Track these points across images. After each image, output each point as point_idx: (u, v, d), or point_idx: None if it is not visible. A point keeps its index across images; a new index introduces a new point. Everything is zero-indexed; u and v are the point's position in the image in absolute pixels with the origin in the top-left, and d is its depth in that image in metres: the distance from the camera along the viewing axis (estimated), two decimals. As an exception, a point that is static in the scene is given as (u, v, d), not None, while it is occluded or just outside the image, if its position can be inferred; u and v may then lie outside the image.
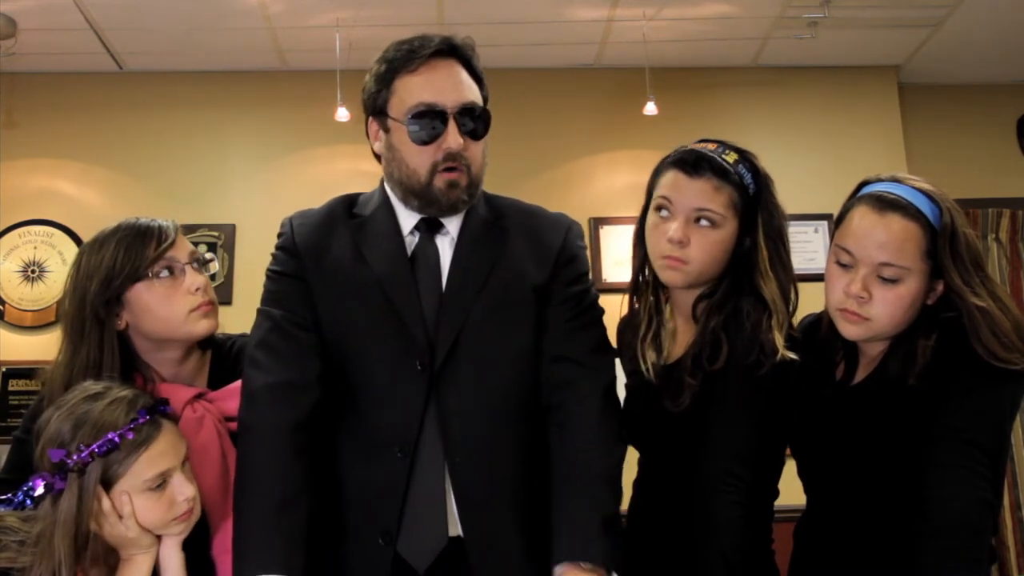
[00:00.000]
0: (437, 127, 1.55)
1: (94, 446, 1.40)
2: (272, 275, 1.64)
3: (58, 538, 1.36)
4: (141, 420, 1.44)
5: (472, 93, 1.59)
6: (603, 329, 1.68)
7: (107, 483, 1.41)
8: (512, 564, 1.50)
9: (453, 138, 1.55)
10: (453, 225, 1.64)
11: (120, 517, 1.42)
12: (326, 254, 1.61)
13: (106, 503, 1.41)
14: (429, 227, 1.63)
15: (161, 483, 1.44)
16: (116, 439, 1.41)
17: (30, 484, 1.42)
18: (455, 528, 1.51)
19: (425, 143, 1.56)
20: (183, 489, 1.46)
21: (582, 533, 1.46)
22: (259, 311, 1.62)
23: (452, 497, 1.51)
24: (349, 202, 1.70)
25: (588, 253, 1.78)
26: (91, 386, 1.48)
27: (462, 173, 1.57)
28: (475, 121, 1.57)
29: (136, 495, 1.42)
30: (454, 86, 1.57)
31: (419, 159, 1.57)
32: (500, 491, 1.52)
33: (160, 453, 1.44)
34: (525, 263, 1.63)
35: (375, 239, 1.61)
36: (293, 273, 1.61)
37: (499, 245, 1.63)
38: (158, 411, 1.48)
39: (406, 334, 1.54)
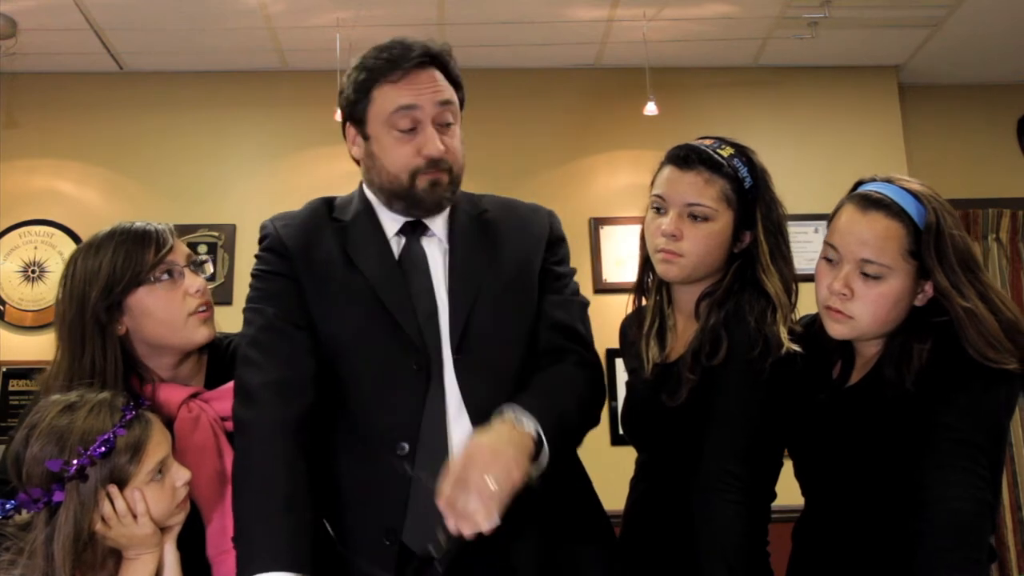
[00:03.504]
0: (416, 134, 1.58)
1: (91, 450, 1.40)
2: (261, 275, 1.64)
3: (58, 547, 1.36)
4: (129, 416, 1.44)
5: (448, 92, 1.62)
6: (587, 312, 1.74)
7: (119, 484, 1.42)
8: (541, 546, 1.52)
9: (433, 144, 1.57)
10: (438, 225, 1.66)
11: (135, 517, 1.42)
12: (313, 257, 1.62)
13: (120, 504, 1.41)
14: (414, 229, 1.65)
15: (160, 471, 1.46)
16: (112, 439, 1.41)
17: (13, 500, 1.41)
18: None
19: (405, 149, 1.58)
20: (180, 474, 1.48)
21: (521, 400, 1.49)
22: (249, 309, 1.62)
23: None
24: (329, 206, 1.71)
25: (588, 253, 1.80)
26: (59, 399, 1.46)
27: (443, 173, 1.60)
28: (453, 119, 1.61)
29: (143, 488, 1.43)
30: (433, 93, 1.59)
31: (400, 164, 1.59)
32: None
33: (157, 443, 1.46)
34: (519, 248, 1.67)
35: (361, 244, 1.63)
36: (284, 272, 1.61)
37: (491, 235, 1.67)
38: (140, 405, 1.49)
39: (401, 336, 1.56)
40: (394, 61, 1.58)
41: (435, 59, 1.61)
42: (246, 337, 1.59)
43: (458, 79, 1.65)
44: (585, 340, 1.68)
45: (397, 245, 1.64)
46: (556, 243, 1.72)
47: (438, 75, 1.61)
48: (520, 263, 1.66)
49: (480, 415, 1.53)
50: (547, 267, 1.68)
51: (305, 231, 1.64)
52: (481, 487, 1.33)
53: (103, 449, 1.40)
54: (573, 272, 1.74)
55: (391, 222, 1.65)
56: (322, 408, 1.55)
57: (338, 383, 1.57)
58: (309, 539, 1.44)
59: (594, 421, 1.64)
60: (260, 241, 1.68)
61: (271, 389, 1.51)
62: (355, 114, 1.63)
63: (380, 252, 1.62)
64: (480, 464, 1.35)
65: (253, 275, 1.65)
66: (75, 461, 1.39)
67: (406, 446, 1.52)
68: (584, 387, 1.61)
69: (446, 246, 1.65)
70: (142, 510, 1.43)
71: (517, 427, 1.42)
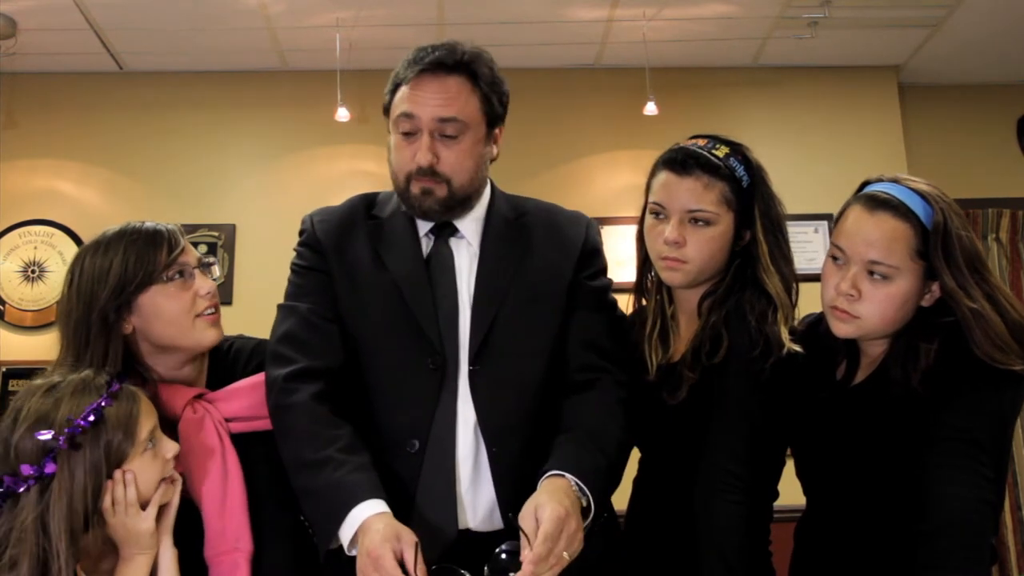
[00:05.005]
0: (413, 140, 1.60)
1: (81, 419, 1.39)
2: (296, 269, 1.69)
3: (53, 522, 1.35)
4: (115, 388, 1.45)
5: (455, 108, 1.60)
6: (622, 326, 1.75)
7: (117, 461, 1.42)
8: None
9: (422, 154, 1.59)
10: (469, 228, 1.67)
11: (126, 494, 1.42)
12: (346, 252, 1.66)
13: (132, 493, 1.42)
14: (442, 230, 1.67)
15: (151, 442, 1.46)
16: (100, 409, 1.41)
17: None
18: (465, 521, 1.54)
19: (405, 153, 1.61)
20: (169, 446, 1.49)
21: (573, 456, 1.50)
22: (283, 307, 1.66)
23: (464, 491, 1.54)
24: (368, 202, 1.74)
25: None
26: (41, 382, 1.46)
27: (439, 184, 1.60)
28: (456, 133, 1.59)
29: (135, 459, 1.43)
30: (436, 101, 1.59)
31: (398, 165, 1.63)
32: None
33: (146, 414, 1.47)
34: (549, 258, 1.67)
35: (392, 241, 1.66)
36: (317, 267, 1.66)
37: (523, 242, 1.68)
38: (123, 380, 1.50)
39: (419, 334, 1.58)
40: (415, 63, 1.61)
41: (454, 67, 1.60)
42: (277, 334, 1.63)
43: (487, 88, 1.63)
44: (617, 358, 1.68)
45: (427, 245, 1.67)
46: (590, 255, 1.71)
47: (455, 84, 1.60)
48: (550, 273, 1.66)
49: (491, 425, 1.55)
50: (579, 280, 1.68)
51: (340, 227, 1.68)
52: (561, 559, 1.37)
53: (92, 418, 1.40)
54: (609, 284, 1.75)
55: (423, 222, 1.67)
56: (344, 401, 1.58)
57: (359, 377, 1.61)
58: (376, 474, 1.48)
59: (631, 446, 1.66)
60: (300, 235, 1.72)
61: (299, 375, 1.56)
62: (386, 107, 1.67)
63: (409, 250, 1.65)
64: (567, 536, 1.38)
65: (291, 270, 1.70)
66: (66, 430, 1.38)
67: (416, 443, 1.54)
68: (622, 415, 1.61)
69: (475, 249, 1.66)
70: (132, 497, 1.42)
71: (576, 494, 1.45)
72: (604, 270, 1.75)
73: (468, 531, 1.54)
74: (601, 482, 1.50)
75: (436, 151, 1.59)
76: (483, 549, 1.48)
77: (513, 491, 1.51)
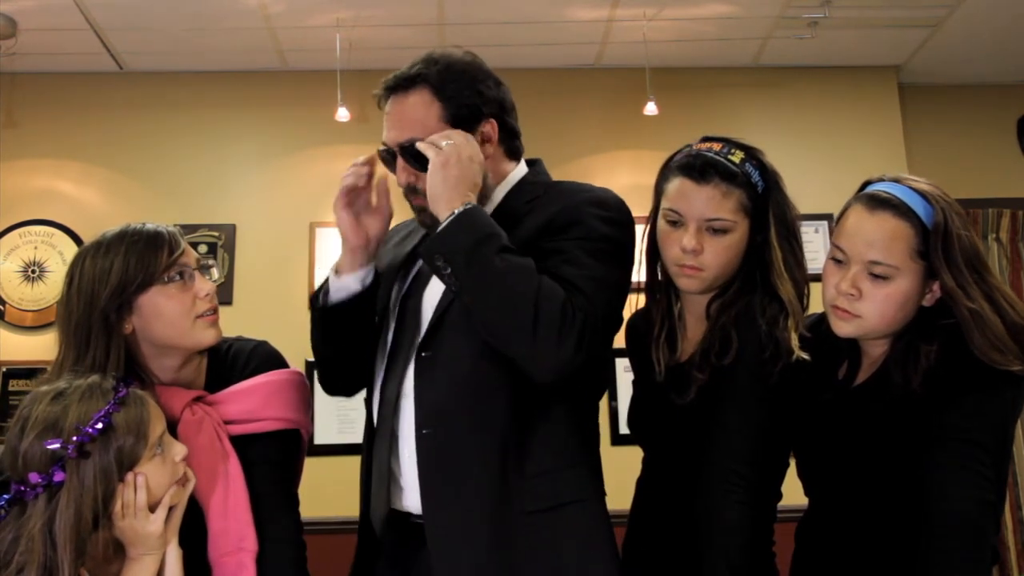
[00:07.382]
0: (393, 166, 1.64)
1: (89, 427, 1.39)
2: None
3: (59, 530, 1.35)
4: (122, 393, 1.45)
5: (411, 128, 1.57)
6: (608, 269, 1.53)
7: (129, 466, 1.42)
8: (470, 545, 1.49)
9: (400, 177, 1.63)
10: None
11: (136, 498, 1.42)
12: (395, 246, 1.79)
13: (142, 496, 1.42)
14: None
15: (160, 446, 1.46)
16: (108, 416, 1.41)
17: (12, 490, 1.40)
18: (400, 499, 1.58)
19: (396, 179, 1.65)
20: (178, 449, 1.49)
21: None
22: None
23: (401, 471, 1.58)
24: None
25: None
26: (48, 389, 1.45)
27: (426, 199, 1.55)
28: (418, 155, 1.55)
29: (146, 464, 1.43)
30: (395, 127, 1.61)
31: (400, 187, 1.66)
32: (464, 468, 1.51)
33: (155, 418, 1.47)
34: (521, 238, 1.53)
35: (409, 235, 1.77)
36: None
37: (508, 229, 1.53)
38: (129, 384, 1.49)
39: (384, 319, 1.69)
40: (378, 91, 1.65)
41: (404, 86, 1.59)
42: None
43: (447, 92, 1.58)
44: (581, 289, 1.47)
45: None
46: (561, 226, 1.54)
47: (408, 105, 1.59)
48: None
49: (424, 407, 1.55)
50: (540, 244, 1.52)
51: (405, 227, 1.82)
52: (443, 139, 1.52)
53: (100, 426, 1.40)
54: (591, 248, 1.52)
55: None
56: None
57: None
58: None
59: (541, 296, 1.42)
60: None
61: None
62: None
63: (410, 242, 1.74)
64: (462, 156, 1.51)
65: None
66: (74, 438, 1.38)
67: (375, 418, 1.66)
68: (552, 294, 1.43)
69: None
70: (142, 500, 1.42)
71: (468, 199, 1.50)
72: (584, 239, 1.52)
73: (402, 512, 1.58)
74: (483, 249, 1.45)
75: (411, 170, 1.60)
76: (416, 532, 1.53)
77: (437, 482, 1.52)
